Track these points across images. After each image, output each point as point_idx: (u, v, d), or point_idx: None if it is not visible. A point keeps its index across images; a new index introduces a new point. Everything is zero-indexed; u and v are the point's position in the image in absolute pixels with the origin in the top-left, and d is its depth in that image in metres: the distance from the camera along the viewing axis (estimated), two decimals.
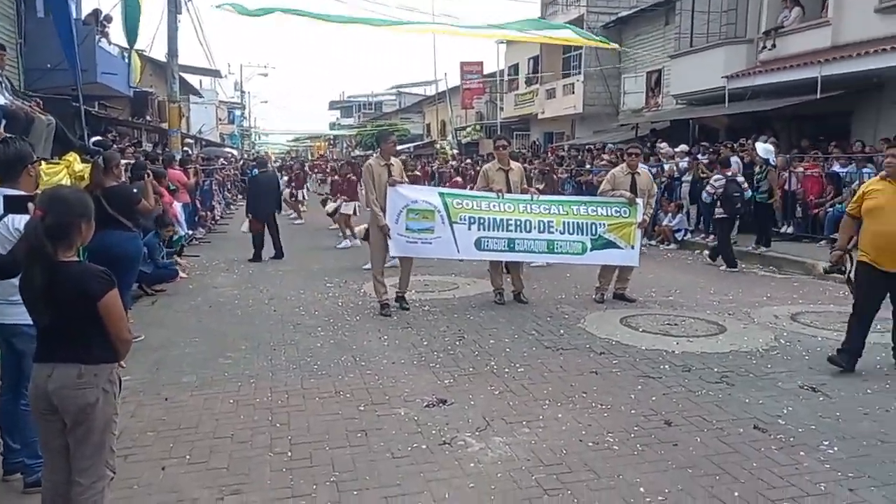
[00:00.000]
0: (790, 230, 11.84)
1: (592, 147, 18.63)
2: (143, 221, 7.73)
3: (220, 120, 43.93)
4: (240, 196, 22.82)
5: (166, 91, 15.72)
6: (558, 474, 3.50)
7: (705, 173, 11.93)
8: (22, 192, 3.34)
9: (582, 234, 7.44)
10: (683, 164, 13.44)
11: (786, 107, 13.17)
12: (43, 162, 6.15)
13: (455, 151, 30.52)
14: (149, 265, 8.05)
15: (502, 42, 27.18)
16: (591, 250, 7.45)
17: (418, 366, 5.32)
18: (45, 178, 5.81)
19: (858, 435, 3.94)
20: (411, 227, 7.13)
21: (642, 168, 8.10)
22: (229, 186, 22.21)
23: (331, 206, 13.63)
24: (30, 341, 2.88)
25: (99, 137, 11.35)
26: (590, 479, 3.45)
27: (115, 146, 10.63)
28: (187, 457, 3.73)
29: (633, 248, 7.52)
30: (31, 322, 2.75)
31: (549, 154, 20.81)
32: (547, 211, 7.45)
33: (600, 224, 7.45)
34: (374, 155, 7.40)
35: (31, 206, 2.75)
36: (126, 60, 15.47)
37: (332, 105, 73.97)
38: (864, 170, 10.49)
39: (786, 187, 11.77)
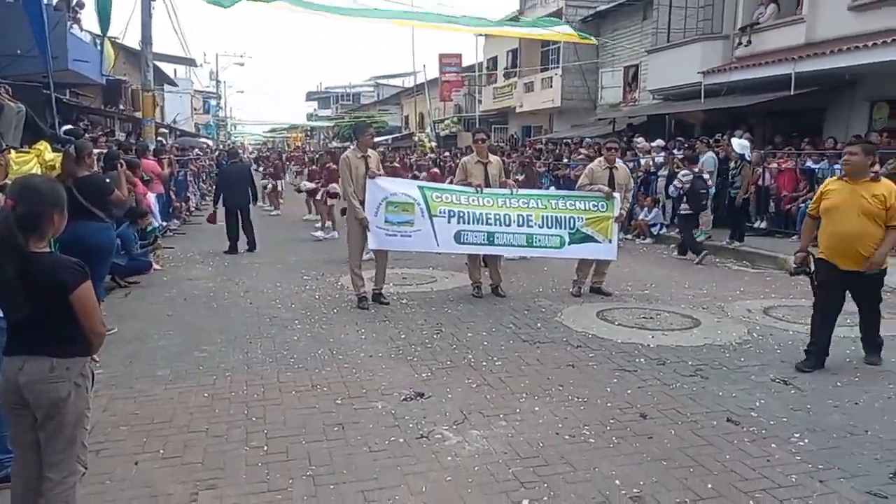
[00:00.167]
0: (763, 225, 12.01)
1: (570, 141, 18.72)
2: (115, 212, 7.63)
3: (195, 110, 43.37)
4: (215, 187, 22.56)
5: (140, 79, 15.44)
6: (535, 467, 3.52)
7: (681, 168, 12.04)
8: None
9: (560, 227, 7.48)
10: (659, 158, 13.56)
11: (760, 103, 13.33)
12: (13, 150, 6.04)
13: (433, 144, 30.46)
14: (123, 257, 7.93)
15: (481, 35, 27.12)
16: (570, 244, 7.49)
17: (396, 359, 5.31)
18: (14, 168, 5.70)
19: (828, 427, 4.02)
20: (391, 220, 7.10)
21: (619, 163, 8.15)
22: (204, 177, 21.92)
23: (306, 184, 13.42)
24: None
25: (70, 126, 11.16)
26: (566, 471, 3.48)
27: (87, 135, 10.46)
28: (161, 451, 3.69)
29: (610, 242, 7.58)
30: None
31: (528, 147, 20.86)
32: (526, 205, 7.48)
33: (578, 218, 7.50)
34: (351, 147, 7.34)
35: (0, 195, 2.69)
36: (98, 48, 15.19)
37: (310, 96, 73.34)
38: (836, 166, 10.63)
39: (760, 183, 11.93)
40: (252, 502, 3.20)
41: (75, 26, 13.91)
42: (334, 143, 45.09)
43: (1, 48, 11.63)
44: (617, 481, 3.37)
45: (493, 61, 30.24)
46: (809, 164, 11.66)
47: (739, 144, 11.50)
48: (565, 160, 16.22)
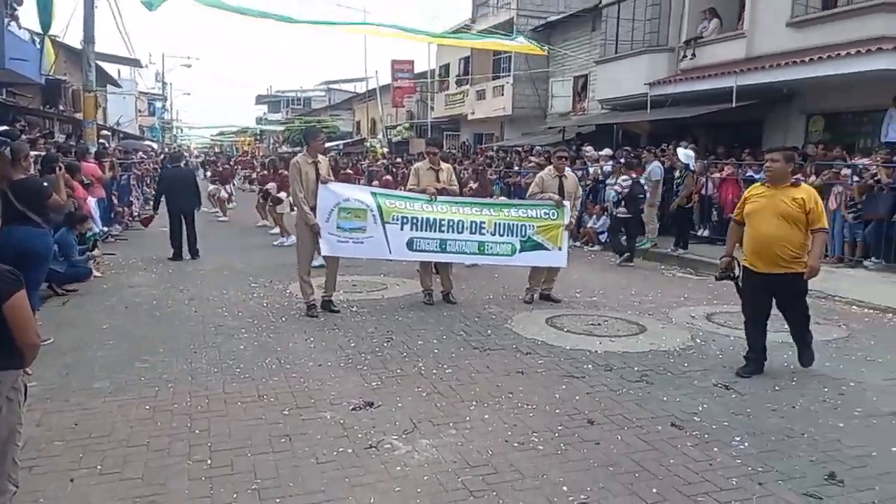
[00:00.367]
0: (707, 233, 12.35)
1: (521, 149, 18.92)
2: (53, 217, 7.36)
3: (139, 112, 42.21)
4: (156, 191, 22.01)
5: (81, 80, 14.97)
6: (484, 475, 3.52)
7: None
8: None
9: (512, 235, 7.54)
10: (607, 167, 13.81)
11: (704, 114, 13.72)
12: None
13: (385, 150, 30.38)
14: (62, 264, 7.65)
15: (441, 44, 27.21)
16: (521, 251, 7.56)
17: (345, 368, 5.26)
18: None
19: (767, 431, 4.14)
20: (343, 227, 7.02)
21: (568, 171, 8.27)
22: (148, 181, 21.34)
23: (286, 206, 12.81)
24: None
25: (6, 127, 10.73)
26: (515, 479, 3.49)
27: (23, 136, 10.07)
28: (98, 467, 3.56)
29: (560, 249, 7.67)
30: None
31: (479, 155, 21.00)
32: (479, 212, 7.51)
33: (530, 226, 7.56)
34: (302, 153, 7.26)
35: None
36: (38, 46, 14.66)
37: (259, 99, 72.29)
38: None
39: (703, 192, 12.26)
40: None
41: (13, 23, 13.41)
42: (284, 148, 44.56)
43: None
44: (565, 488, 3.40)
45: (446, 68, 30.38)
46: (750, 173, 12.04)
47: (684, 154, 11.81)
48: (516, 168, 16.38)
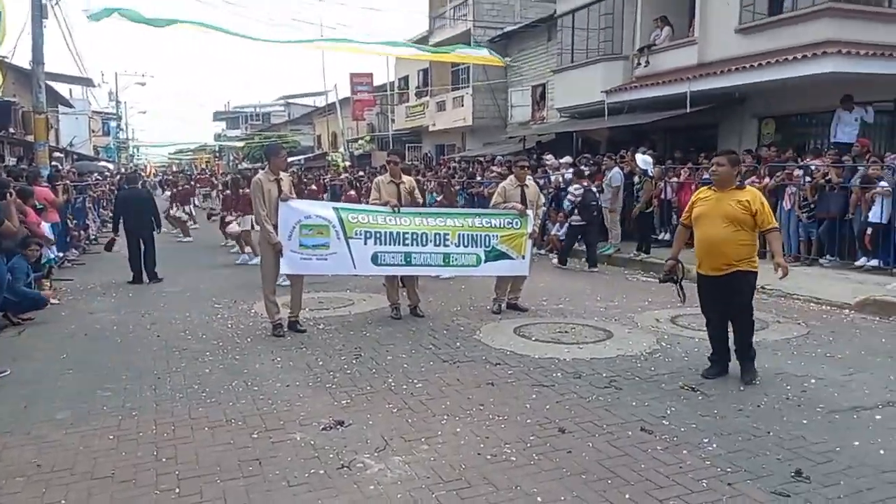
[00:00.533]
0: (668, 237, 12.54)
1: (482, 159, 19.03)
2: (5, 244, 7.15)
3: (93, 132, 41.30)
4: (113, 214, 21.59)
5: (31, 101, 14.61)
6: (458, 490, 3.51)
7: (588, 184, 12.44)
8: None
9: (476, 246, 7.56)
10: (568, 175, 13.95)
11: (660, 120, 14.00)
12: None
13: (347, 164, 30.27)
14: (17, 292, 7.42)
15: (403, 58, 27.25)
16: (486, 262, 7.58)
17: (314, 387, 5.20)
18: None
19: (734, 431, 4.21)
20: (305, 244, 6.95)
21: (529, 180, 8.34)
22: (104, 203, 20.89)
23: (235, 228, 12.87)
24: None
25: None
26: (489, 492, 3.49)
27: None
28: (62, 502, 3.45)
29: (524, 258, 7.71)
30: None
31: (442, 166, 21.06)
32: (443, 223, 7.52)
33: (494, 236, 7.59)
34: (263, 170, 7.19)
35: None
36: None
37: (217, 116, 71.51)
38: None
39: (662, 196, 12.48)
40: None
41: None
42: (244, 164, 44.08)
43: None
44: (539, 498, 3.41)
45: (405, 80, 30.46)
46: (706, 176, 12.29)
47: (642, 160, 12.02)
48: (478, 178, 16.47)
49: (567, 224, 11.61)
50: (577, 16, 17.13)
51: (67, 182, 13.68)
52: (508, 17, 23.03)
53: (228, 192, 14.66)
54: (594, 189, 11.47)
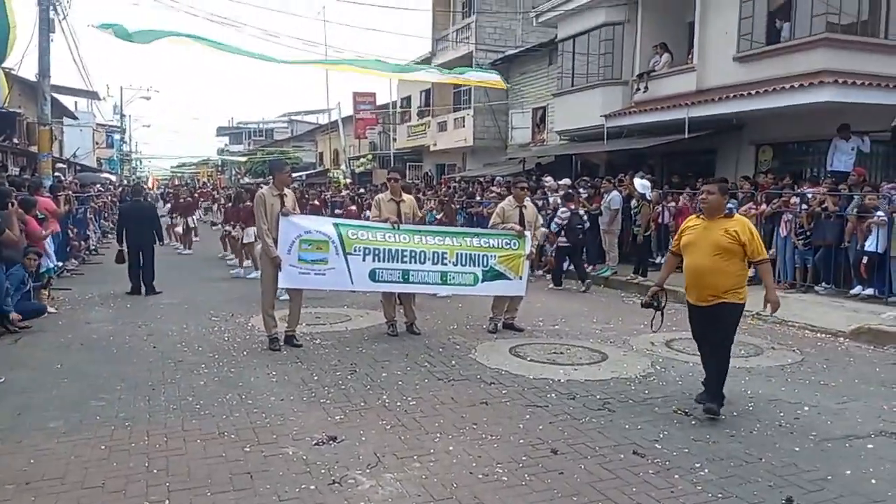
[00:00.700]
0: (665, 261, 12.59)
1: (482, 179, 19.13)
2: (6, 253, 7.18)
3: (97, 144, 41.53)
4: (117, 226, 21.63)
5: (36, 112, 14.71)
6: None
7: (586, 206, 12.52)
8: None
9: (474, 265, 7.59)
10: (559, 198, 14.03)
11: (658, 145, 14.10)
12: None
13: (348, 181, 30.40)
14: (16, 297, 7.44)
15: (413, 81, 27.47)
16: (483, 281, 7.61)
17: (308, 402, 5.20)
18: None
19: (726, 456, 4.22)
20: (304, 258, 6.99)
21: (527, 201, 8.40)
22: (106, 214, 20.93)
23: (249, 239, 12.50)
24: None
25: None
26: None
27: None
28: None
29: (521, 278, 7.75)
30: None
31: (443, 185, 21.17)
32: (441, 242, 7.56)
33: (491, 255, 7.64)
34: (268, 185, 7.24)
35: None
36: None
37: (221, 131, 71.89)
38: (728, 204, 11.35)
39: (660, 220, 12.53)
40: None
41: None
42: (246, 179, 44.23)
43: None
44: None
45: (407, 100, 30.69)
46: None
47: (641, 184, 12.10)
48: (478, 198, 16.55)
49: (555, 245, 11.72)
50: (577, 41, 17.30)
51: (69, 192, 13.72)
52: (510, 41, 23.28)
53: (230, 204, 14.71)
54: (581, 213, 11.74)
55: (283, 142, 53.07)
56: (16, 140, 17.94)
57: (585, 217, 11.83)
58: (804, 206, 9.95)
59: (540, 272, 12.74)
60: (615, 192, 12.26)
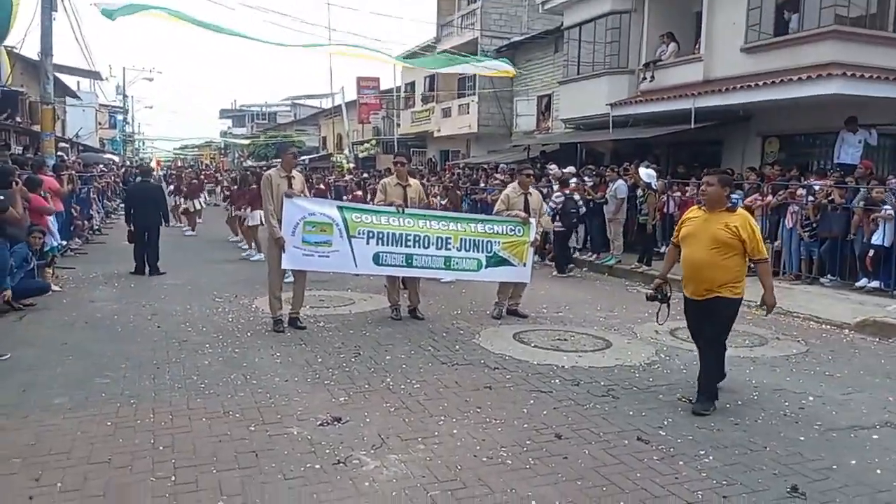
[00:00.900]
0: None
1: (486, 166, 19.07)
2: (10, 231, 7.17)
3: (100, 124, 41.44)
4: (122, 205, 21.63)
5: (39, 92, 14.65)
6: (453, 490, 3.52)
7: (591, 195, 12.48)
8: None
9: (478, 251, 7.58)
10: (571, 184, 13.98)
11: (664, 134, 14.03)
12: None
13: (352, 165, 30.33)
14: (18, 275, 7.43)
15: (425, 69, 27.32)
16: (486, 267, 7.60)
17: (312, 383, 5.20)
18: None
19: (731, 444, 4.22)
20: (308, 240, 6.97)
21: (533, 189, 8.36)
22: (109, 194, 20.91)
23: (255, 221, 12.46)
24: None
25: None
26: (483, 494, 3.49)
27: None
28: (58, 485, 3.46)
29: (524, 265, 7.74)
30: None
31: (447, 171, 21.11)
32: (445, 227, 7.54)
33: (496, 242, 7.62)
34: (276, 167, 7.22)
35: None
36: None
37: (224, 113, 71.60)
38: (734, 196, 11.32)
39: (665, 210, 12.50)
40: None
41: None
42: (249, 162, 44.14)
43: None
44: (533, 502, 3.42)
45: (411, 86, 30.53)
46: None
47: (646, 174, 12.05)
48: (482, 185, 16.51)
49: (552, 232, 11.70)
50: (583, 29, 17.18)
51: (73, 172, 13.70)
52: (515, 28, 23.11)
53: (236, 187, 14.67)
54: (576, 197, 11.77)
55: (287, 125, 52.89)
56: (18, 119, 17.89)
57: (580, 202, 11.81)
58: (810, 198, 9.91)
59: (545, 260, 12.73)
60: (620, 181, 12.22)
